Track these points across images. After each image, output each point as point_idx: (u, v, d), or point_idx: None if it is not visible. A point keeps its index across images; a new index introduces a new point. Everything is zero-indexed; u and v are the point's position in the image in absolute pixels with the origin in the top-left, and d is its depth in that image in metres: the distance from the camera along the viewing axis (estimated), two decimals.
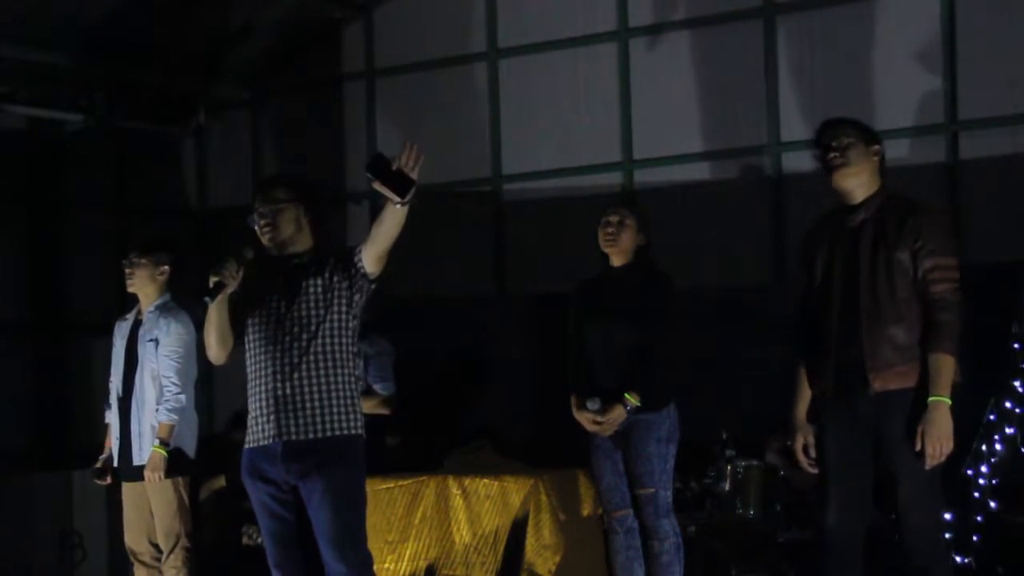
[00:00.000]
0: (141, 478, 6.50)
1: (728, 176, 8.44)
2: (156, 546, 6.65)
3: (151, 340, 6.54)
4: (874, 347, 4.78)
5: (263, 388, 4.89)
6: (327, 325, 4.87)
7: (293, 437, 4.84)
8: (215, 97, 9.87)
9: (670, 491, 6.23)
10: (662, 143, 8.64)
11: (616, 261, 6.28)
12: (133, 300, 6.72)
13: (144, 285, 6.62)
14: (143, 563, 6.71)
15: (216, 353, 4.96)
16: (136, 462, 6.51)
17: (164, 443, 6.43)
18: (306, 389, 4.85)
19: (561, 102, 8.98)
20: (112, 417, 6.68)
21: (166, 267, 6.63)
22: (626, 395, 6.05)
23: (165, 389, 6.48)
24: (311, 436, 4.84)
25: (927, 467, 4.68)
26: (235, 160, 10.12)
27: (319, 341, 4.86)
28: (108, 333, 6.81)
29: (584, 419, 6.17)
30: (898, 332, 4.77)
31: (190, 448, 6.62)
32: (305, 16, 9.59)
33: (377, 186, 4.53)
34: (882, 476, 4.86)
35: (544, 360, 7.88)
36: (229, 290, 4.81)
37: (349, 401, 4.91)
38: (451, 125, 9.31)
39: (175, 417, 6.46)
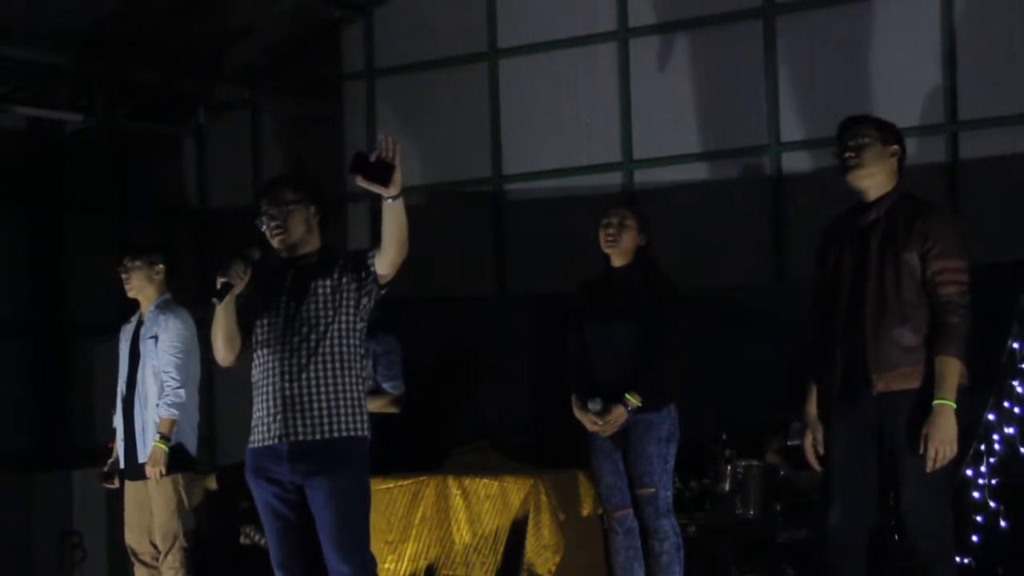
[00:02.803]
0: (144, 476, 6.49)
1: (728, 176, 8.43)
2: (156, 546, 6.65)
3: (151, 337, 6.55)
4: (878, 347, 4.76)
5: (270, 388, 4.86)
6: (336, 326, 4.85)
7: (299, 438, 4.82)
8: (215, 97, 9.86)
9: (670, 491, 6.24)
10: (662, 143, 8.63)
11: (617, 262, 6.29)
12: (136, 302, 6.74)
13: (142, 287, 6.63)
14: (143, 563, 6.70)
15: (224, 355, 4.94)
16: (141, 459, 6.51)
17: (165, 438, 6.42)
18: (314, 390, 4.82)
19: (561, 102, 8.96)
20: (117, 420, 6.68)
21: (161, 266, 6.64)
22: (627, 395, 6.05)
23: (165, 384, 6.48)
24: (317, 437, 4.82)
25: (928, 470, 4.67)
26: (235, 160, 10.11)
27: (327, 342, 4.84)
28: (108, 333, 6.83)
29: (585, 419, 6.17)
30: (904, 333, 4.75)
31: (191, 445, 6.61)
32: (305, 16, 9.58)
33: (361, 182, 4.54)
34: (886, 477, 4.85)
35: (544, 360, 7.86)
36: (237, 291, 4.80)
37: (356, 403, 4.89)
38: (451, 125, 9.30)
39: (175, 412, 6.45)
